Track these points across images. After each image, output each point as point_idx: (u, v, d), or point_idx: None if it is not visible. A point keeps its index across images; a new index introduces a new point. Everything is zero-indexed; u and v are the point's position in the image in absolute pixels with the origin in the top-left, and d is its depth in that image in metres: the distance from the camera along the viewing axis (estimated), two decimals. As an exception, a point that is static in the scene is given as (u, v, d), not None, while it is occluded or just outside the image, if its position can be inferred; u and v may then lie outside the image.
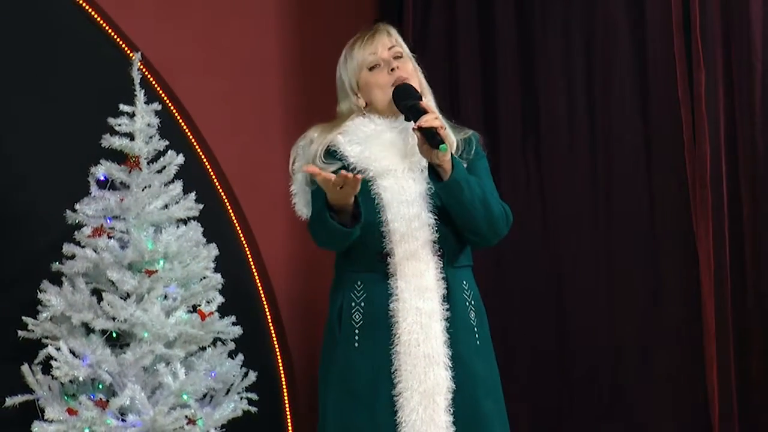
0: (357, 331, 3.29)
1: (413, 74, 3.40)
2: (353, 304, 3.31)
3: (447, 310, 3.25)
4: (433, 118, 3.17)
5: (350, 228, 3.23)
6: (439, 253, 3.27)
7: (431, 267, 3.25)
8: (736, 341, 4.74)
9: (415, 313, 3.22)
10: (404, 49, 3.45)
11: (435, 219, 3.27)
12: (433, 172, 3.22)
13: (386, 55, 3.38)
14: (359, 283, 3.30)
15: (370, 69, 3.38)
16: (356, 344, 3.28)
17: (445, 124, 3.38)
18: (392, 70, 3.35)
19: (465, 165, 3.32)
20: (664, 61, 4.92)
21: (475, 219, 3.25)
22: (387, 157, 3.31)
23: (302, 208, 3.49)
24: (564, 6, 5.16)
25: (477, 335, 3.31)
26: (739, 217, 4.75)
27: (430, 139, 3.12)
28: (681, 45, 4.86)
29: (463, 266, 3.36)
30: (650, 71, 4.97)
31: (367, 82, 3.39)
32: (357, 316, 3.30)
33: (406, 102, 3.24)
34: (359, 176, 3.16)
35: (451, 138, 3.36)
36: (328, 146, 3.38)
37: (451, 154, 3.22)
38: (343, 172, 3.15)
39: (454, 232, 3.30)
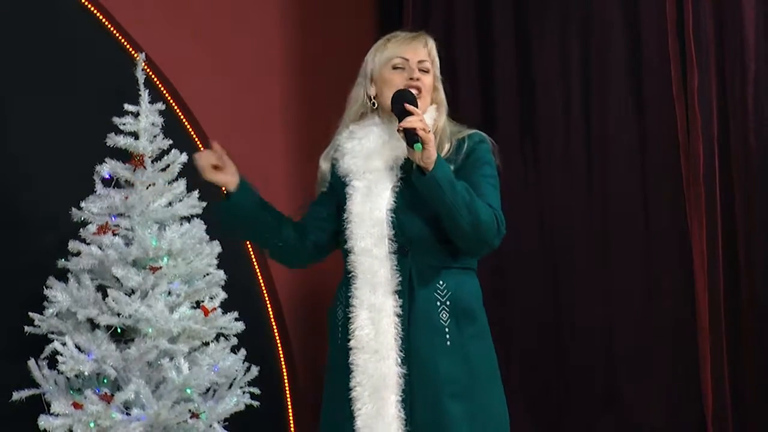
0: (339, 328, 3.35)
1: (428, 91, 3.42)
2: (338, 302, 3.39)
3: (400, 306, 3.27)
4: (417, 119, 3.20)
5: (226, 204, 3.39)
6: (396, 250, 3.29)
7: (385, 263, 3.29)
8: (729, 337, 4.76)
9: (368, 309, 3.27)
10: (434, 66, 3.46)
11: (393, 216, 3.30)
12: (421, 172, 3.23)
13: (414, 64, 3.41)
14: (346, 281, 3.36)
15: (394, 68, 3.41)
16: (338, 341, 3.35)
17: (445, 127, 3.41)
18: (410, 79, 3.38)
19: (453, 167, 3.32)
20: (658, 62, 4.95)
21: (459, 223, 3.24)
22: (363, 160, 3.38)
23: None
24: (560, 7, 5.18)
25: (447, 336, 3.30)
26: (732, 214, 4.77)
27: (408, 138, 3.20)
28: (675, 45, 4.88)
29: (447, 267, 3.35)
30: (645, 71, 5.00)
31: (384, 78, 3.41)
32: (340, 313, 3.36)
33: (396, 106, 3.29)
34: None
35: (443, 142, 3.39)
36: (332, 161, 3.48)
37: (439, 157, 3.23)
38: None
39: (433, 231, 3.31)
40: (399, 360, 3.25)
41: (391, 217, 3.31)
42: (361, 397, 3.25)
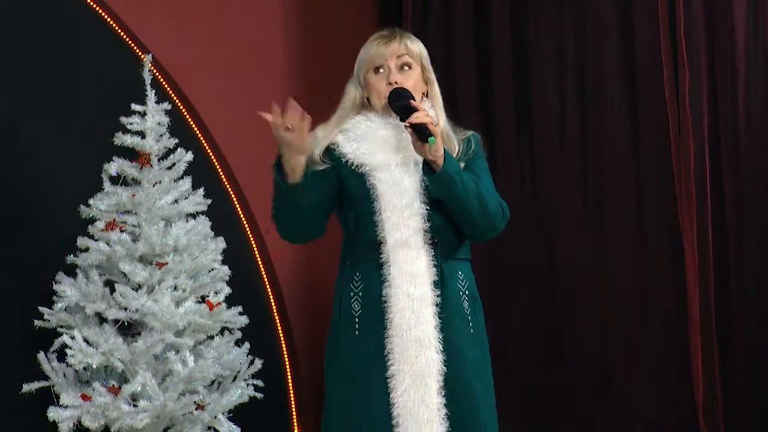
0: (357, 320, 3.35)
1: (415, 88, 3.41)
2: (352, 294, 3.37)
3: (438, 296, 3.31)
4: (424, 114, 3.24)
5: (292, 185, 3.26)
6: (431, 242, 3.33)
7: (422, 254, 3.31)
8: (719, 331, 4.82)
9: (406, 299, 3.28)
10: (416, 59, 3.44)
11: (427, 209, 3.33)
12: (428, 167, 3.29)
13: (392, 63, 3.40)
14: (357, 274, 3.36)
15: (376, 72, 3.42)
16: (356, 332, 3.35)
17: (446, 124, 3.44)
18: (390, 84, 3.38)
19: (463, 165, 3.37)
20: (652, 63, 4.99)
21: (470, 212, 3.31)
22: (381, 152, 3.37)
23: None
24: (557, 10, 5.22)
25: (471, 324, 3.38)
26: (723, 212, 4.82)
27: (420, 133, 3.22)
28: (668, 47, 4.92)
29: (460, 259, 3.41)
30: (638, 73, 5.04)
31: (368, 82, 3.43)
32: (356, 306, 3.36)
33: (399, 103, 3.31)
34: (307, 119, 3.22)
35: (451, 140, 3.42)
36: (328, 145, 3.44)
37: (445, 150, 3.28)
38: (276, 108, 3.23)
39: (450, 224, 3.36)
40: (440, 347, 3.30)
41: (426, 209, 3.33)
42: (402, 385, 3.26)
